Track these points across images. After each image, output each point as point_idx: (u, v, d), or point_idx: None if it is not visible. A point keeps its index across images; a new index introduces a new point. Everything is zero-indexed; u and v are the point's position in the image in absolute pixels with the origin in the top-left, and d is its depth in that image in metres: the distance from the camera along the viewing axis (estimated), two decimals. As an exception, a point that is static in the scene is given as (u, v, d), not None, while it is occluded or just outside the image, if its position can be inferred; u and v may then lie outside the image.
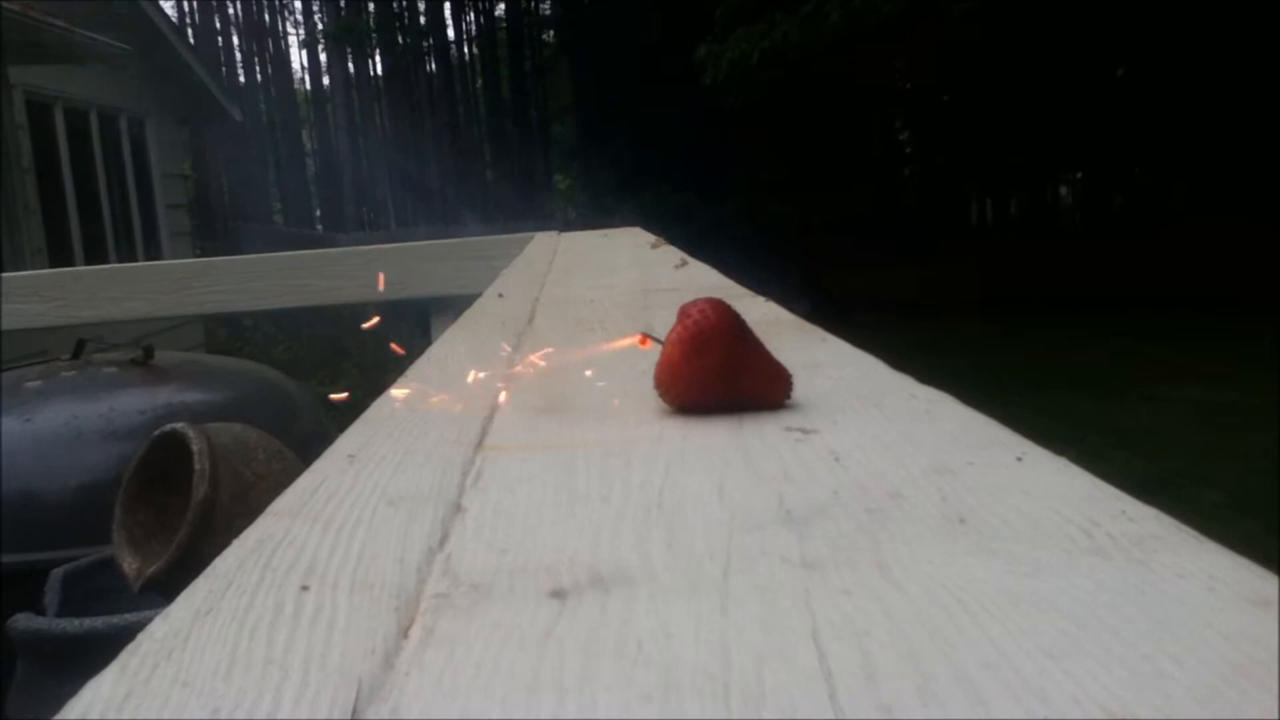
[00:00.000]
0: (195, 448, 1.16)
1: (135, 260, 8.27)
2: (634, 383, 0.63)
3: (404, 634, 0.30)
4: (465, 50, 27.36)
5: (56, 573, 1.34)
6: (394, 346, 1.00)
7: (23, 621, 1.23)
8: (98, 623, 1.19)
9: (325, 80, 27.34)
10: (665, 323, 0.59)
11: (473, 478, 0.47)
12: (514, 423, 0.58)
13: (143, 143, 8.95)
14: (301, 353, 10.04)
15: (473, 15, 26.66)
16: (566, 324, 0.97)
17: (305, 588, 0.34)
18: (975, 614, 0.30)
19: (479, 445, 0.53)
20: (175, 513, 1.19)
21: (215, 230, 17.40)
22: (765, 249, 11.15)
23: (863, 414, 0.55)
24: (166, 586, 1.13)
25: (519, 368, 0.68)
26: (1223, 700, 0.25)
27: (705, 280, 1.28)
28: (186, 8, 24.77)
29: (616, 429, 0.55)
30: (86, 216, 7.77)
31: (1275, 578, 0.30)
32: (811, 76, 12.18)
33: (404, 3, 26.22)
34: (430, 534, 0.39)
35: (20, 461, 1.65)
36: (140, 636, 0.31)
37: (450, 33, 26.77)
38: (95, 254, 7.66)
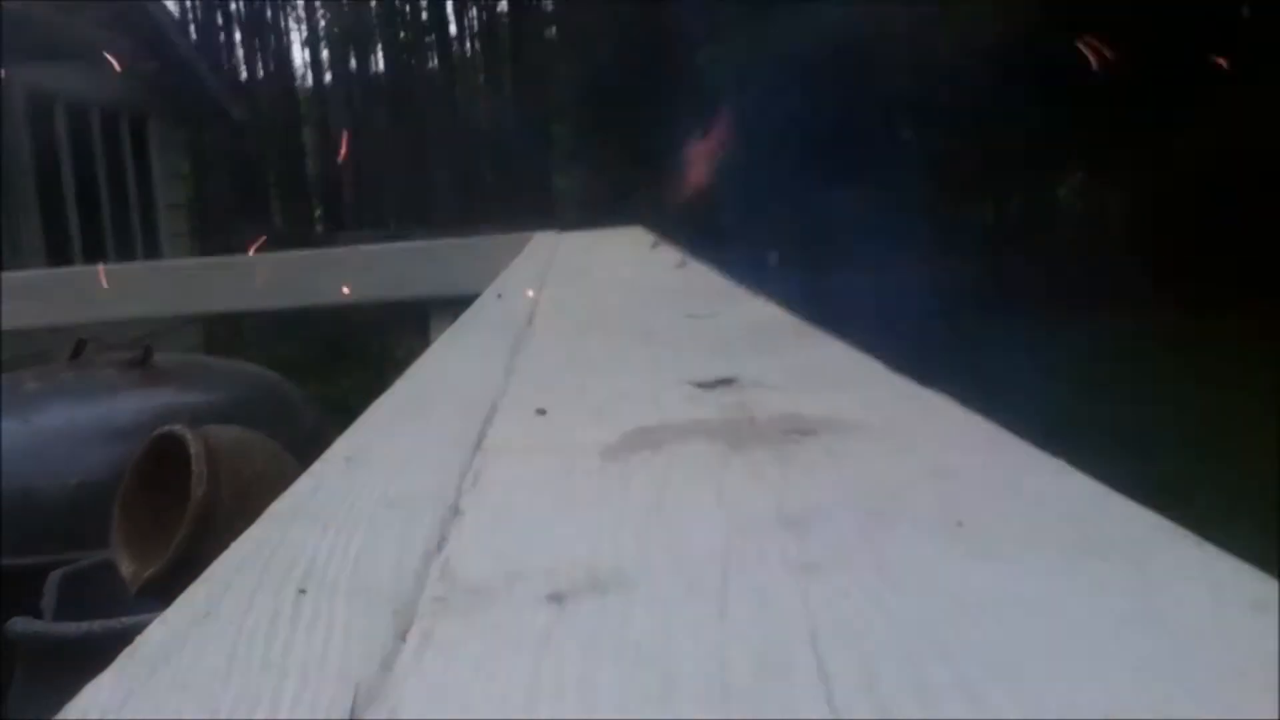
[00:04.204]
0: (193, 450, 1.15)
1: (135, 260, 8.27)
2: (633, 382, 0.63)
3: (402, 637, 0.30)
4: (467, 47, 27.36)
5: (55, 575, 1.34)
6: None
7: (21, 624, 1.22)
8: (96, 626, 1.18)
9: (325, 79, 27.33)
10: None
11: (471, 480, 0.47)
12: (513, 425, 0.58)
13: (143, 142, 8.94)
14: (301, 353, 10.04)
15: (474, 12, 26.65)
16: (566, 324, 0.97)
17: (303, 591, 0.34)
18: (974, 616, 0.30)
19: (477, 447, 0.53)
20: (173, 515, 1.19)
21: (215, 230, 17.40)
22: (765, 248, 11.14)
23: (862, 415, 0.55)
24: (164, 589, 1.12)
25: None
26: (1223, 700, 0.25)
27: (704, 280, 1.28)
28: (188, 5, 24.72)
29: (615, 430, 0.55)
30: (86, 216, 7.76)
31: (1275, 580, 0.30)
32: (812, 76, 12.17)
33: (405, 1, 26.21)
34: (428, 537, 0.39)
35: (19, 462, 1.64)
36: (138, 640, 0.31)
37: (452, 30, 26.77)
38: (95, 254, 7.65)
